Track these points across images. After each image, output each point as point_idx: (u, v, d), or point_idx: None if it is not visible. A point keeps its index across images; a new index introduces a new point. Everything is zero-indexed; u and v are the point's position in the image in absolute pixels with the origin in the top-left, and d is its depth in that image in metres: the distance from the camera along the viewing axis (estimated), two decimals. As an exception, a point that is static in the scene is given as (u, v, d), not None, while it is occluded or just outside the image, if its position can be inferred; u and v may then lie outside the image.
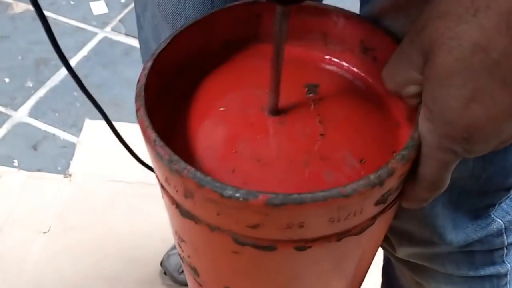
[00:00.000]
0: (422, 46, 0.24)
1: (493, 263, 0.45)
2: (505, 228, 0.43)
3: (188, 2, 0.37)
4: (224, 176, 0.28)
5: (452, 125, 0.23)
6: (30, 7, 1.32)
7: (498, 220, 0.42)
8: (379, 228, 0.31)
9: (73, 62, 1.14)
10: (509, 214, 0.43)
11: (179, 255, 0.35)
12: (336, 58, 0.36)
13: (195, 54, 0.35)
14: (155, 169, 0.28)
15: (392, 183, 0.26)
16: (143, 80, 0.29)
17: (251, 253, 0.27)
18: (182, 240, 0.31)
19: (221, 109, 0.33)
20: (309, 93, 0.34)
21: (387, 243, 0.48)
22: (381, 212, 0.28)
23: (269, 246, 0.26)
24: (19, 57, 1.17)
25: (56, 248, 0.85)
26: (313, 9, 0.35)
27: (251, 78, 0.35)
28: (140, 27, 0.46)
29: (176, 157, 0.24)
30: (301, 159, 0.30)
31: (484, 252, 0.45)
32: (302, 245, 0.26)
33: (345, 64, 0.36)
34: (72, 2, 1.31)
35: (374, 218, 0.28)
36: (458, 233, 0.42)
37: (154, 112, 0.31)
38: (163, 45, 0.31)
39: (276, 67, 0.29)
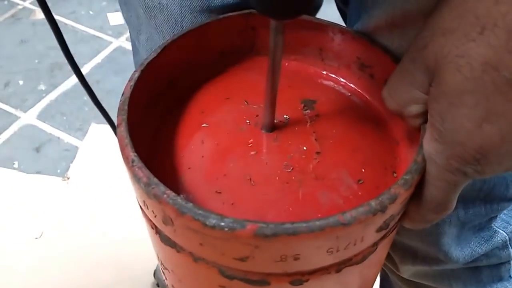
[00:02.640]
0: (426, 64, 0.21)
1: (500, 279, 0.41)
2: (510, 240, 0.40)
3: (186, 23, 0.33)
4: (210, 196, 0.24)
5: (464, 146, 0.20)
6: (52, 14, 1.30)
7: (501, 231, 0.39)
8: (381, 254, 0.27)
9: (87, 68, 1.11)
10: (510, 224, 0.40)
11: (164, 281, 0.30)
12: (333, 73, 0.32)
13: (188, 64, 0.30)
14: (134, 190, 0.23)
15: (394, 208, 0.21)
16: (128, 93, 0.24)
17: (241, 287, 0.22)
18: (165, 268, 0.26)
19: (213, 123, 0.28)
20: (306, 109, 0.29)
21: (389, 262, 0.43)
22: (383, 237, 0.24)
23: (260, 281, 0.22)
24: (36, 61, 1.14)
25: (48, 255, 0.77)
26: (309, 24, 0.31)
27: (246, 92, 0.30)
28: (136, 52, 0.43)
29: (155, 180, 0.20)
30: (295, 179, 0.25)
31: (491, 267, 0.41)
32: (299, 278, 0.22)
33: (342, 80, 0.32)
34: (91, 12, 1.29)
35: (375, 244, 0.24)
36: (463, 248, 0.38)
37: (140, 126, 0.26)
38: (153, 55, 0.27)
39: (272, 83, 0.25)
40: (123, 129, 0.22)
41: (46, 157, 0.94)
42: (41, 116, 1.01)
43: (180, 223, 0.20)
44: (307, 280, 0.22)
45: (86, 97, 1.09)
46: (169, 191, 0.19)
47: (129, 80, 0.25)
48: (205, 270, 0.22)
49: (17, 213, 0.84)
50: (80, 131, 0.98)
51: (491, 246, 0.39)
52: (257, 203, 0.24)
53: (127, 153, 0.21)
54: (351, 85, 0.32)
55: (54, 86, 1.08)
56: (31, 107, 1.03)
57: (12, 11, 1.28)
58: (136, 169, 0.20)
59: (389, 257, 0.42)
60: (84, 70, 1.11)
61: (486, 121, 0.19)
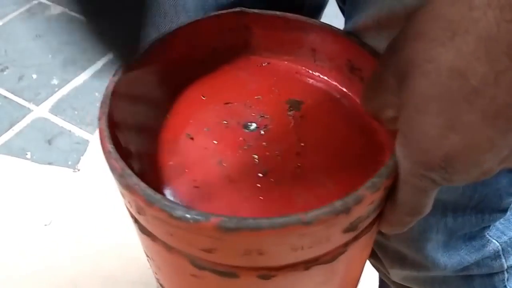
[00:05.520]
0: (397, 67, 0.21)
1: None
2: (503, 250, 0.40)
3: (182, 22, 0.35)
4: (188, 190, 0.25)
5: (428, 153, 0.20)
6: (67, 10, 1.35)
7: (494, 241, 0.39)
8: (355, 255, 0.28)
9: (99, 64, 1.15)
10: (505, 234, 0.40)
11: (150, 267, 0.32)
12: (325, 75, 0.33)
13: (179, 61, 0.32)
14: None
15: (360, 211, 0.22)
16: (111, 87, 0.26)
17: (211, 278, 0.24)
18: (147, 256, 0.28)
19: (197, 120, 0.30)
20: (291, 110, 0.31)
21: (380, 265, 0.44)
22: (354, 239, 0.25)
23: (229, 273, 0.23)
24: (49, 56, 1.18)
25: (56, 242, 0.82)
26: (302, 24, 0.32)
27: (233, 90, 0.32)
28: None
29: (128, 171, 0.22)
30: (273, 178, 0.27)
31: (484, 276, 0.41)
32: (266, 273, 0.23)
33: (333, 82, 0.33)
34: (107, 10, 1.33)
35: (346, 245, 0.25)
36: (452, 256, 0.38)
37: (126, 119, 0.28)
38: (140, 51, 0.29)
39: None
40: (103, 122, 0.24)
41: (58, 149, 0.98)
42: (53, 110, 1.06)
43: (150, 213, 0.21)
44: (274, 276, 0.23)
45: (97, 93, 1.14)
46: (140, 182, 0.21)
47: (113, 75, 0.27)
48: (178, 259, 0.24)
49: (28, 200, 0.88)
50: (91, 126, 1.02)
51: (482, 255, 0.39)
52: (232, 199, 0.25)
53: (105, 145, 0.23)
54: (343, 88, 0.32)
55: (67, 81, 1.12)
56: (43, 101, 1.07)
57: (27, 6, 1.33)
58: (112, 160, 0.22)
59: (379, 260, 0.43)
60: (97, 66, 1.15)
61: (451, 129, 0.19)
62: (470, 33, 0.18)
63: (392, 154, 0.24)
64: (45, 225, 0.85)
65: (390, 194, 0.24)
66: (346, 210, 0.21)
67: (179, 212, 0.20)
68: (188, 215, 0.20)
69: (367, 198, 0.22)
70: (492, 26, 0.17)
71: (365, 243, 0.28)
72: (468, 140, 0.19)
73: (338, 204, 0.21)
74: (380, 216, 0.26)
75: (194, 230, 0.20)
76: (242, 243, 0.21)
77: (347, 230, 0.23)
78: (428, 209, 0.24)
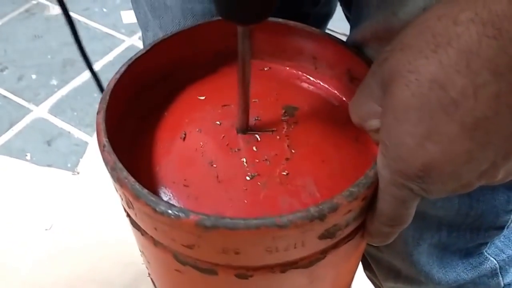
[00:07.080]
0: (383, 78, 0.23)
1: None
2: (500, 268, 0.41)
3: (188, 24, 0.37)
4: (178, 189, 0.28)
5: (406, 163, 0.22)
6: (65, 10, 1.39)
7: (492, 259, 0.40)
8: (338, 262, 0.30)
9: (98, 66, 1.19)
10: (504, 253, 0.41)
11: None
12: (325, 83, 0.35)
13: (180, 63, 0.34)
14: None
15: (336, 218, 0.24)
16: (112, 84, 0.28)
17: (193, 274, 0.26)
18: (140, 250, 0.30)
19: (192, 121, 0.32)
20: (285, 116, 0.33)
21: (375, 277, 0.46)
22: (334, 246, 0.27)
23: (209, 269, 0.25)
24: (48, 56, 1.22)
25: (56, 247, 0.85)
26: (302, 32, 0.34)
27: (231, 93, 0.34)
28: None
29: (119, 165, 0.24)
30: (260, 181, 0.29)
31: None
32: (243, 272, 0.25)
33: (332, 90, 0.35)
34: (104, 10, 1.37)
35: (324, 252, 0.27)
36: (448, 272, 0.40)
37: (125, 116, 0.30)
38: (141, 52, 0.31)
39: (243, 86, 0.28)
40: (100, 117, 0.26)
41: (57, 151, 1.01)
42: (53, 111, 1.09)
43: (137, 207, 0.24)
44: (251, 276, 0.25)
45: (96, 94, 1.17)
46: (130, 177, 0.24)
47: (115, 73, 0.29)
48: (163, 254, 0.26)
49: (28, 204, 0.91)
50: (90, 127, 1.05)
51: (479, 273, 0.40)
52: (219, 199, 0.27)
53: (101, 139, 0.25)
54: (342, 96, 0.34)
55: (66, 82, 1.16)
56: (43, 101, 1.11)
57: (26, 6, 1.37)
58: (106, 153, 0.25)
59: (373, 273, 0.45)
60: (96, 68, 1.18)
61: (428, 139, 0.21)
62: (452, 46, 0.19)
63: (373, 165, 0.25)
64: (46, 229, 0.88)
65: (372, 204, 0.26)
66: (321, 217, 0.23)
67: (162, 208, 0.23)
68: (170, 211, 0.22)
69: (343, 206, 0.24)
70: (474, 41, 0.18)
71: (349, 252, 0.29)
72: (445, 151, 0.20)
73: (313, 210, 0.23)
74: (360, 228, 0.28)
75: (175, 226, 0.23)
76: (220, 241, 0.23)
77: (323, 237, 0.25)
78: (408, 220, 0.26)
